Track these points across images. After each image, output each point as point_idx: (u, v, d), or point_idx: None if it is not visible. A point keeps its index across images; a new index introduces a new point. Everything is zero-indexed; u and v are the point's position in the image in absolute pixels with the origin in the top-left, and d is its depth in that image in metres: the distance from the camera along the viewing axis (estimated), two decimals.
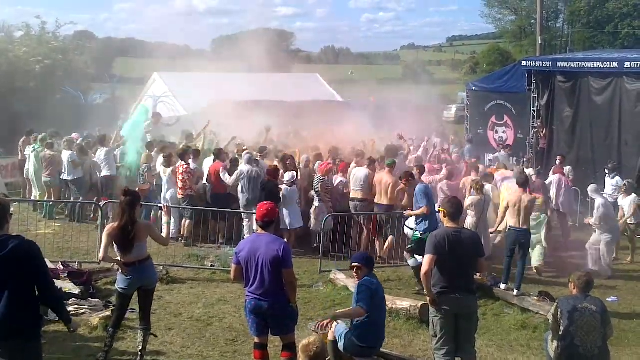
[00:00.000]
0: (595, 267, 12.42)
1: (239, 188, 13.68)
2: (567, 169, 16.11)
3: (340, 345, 7.38)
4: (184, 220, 14.06)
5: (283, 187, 13.33)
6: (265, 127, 17.63)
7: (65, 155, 15.51)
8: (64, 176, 15.65)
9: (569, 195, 15.13)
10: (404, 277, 12.27)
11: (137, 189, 13.67)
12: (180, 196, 13.96)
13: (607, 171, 15.65)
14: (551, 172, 15.78)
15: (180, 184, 13.90)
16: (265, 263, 6.79)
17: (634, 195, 13.75)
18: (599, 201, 12.74)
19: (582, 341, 6.82)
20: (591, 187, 13.56)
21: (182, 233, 14.05)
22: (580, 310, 6.88)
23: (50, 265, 10.39)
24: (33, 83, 26.18)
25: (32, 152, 16.42)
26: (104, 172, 15.34)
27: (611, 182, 15.27)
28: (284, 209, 13.14)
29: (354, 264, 7.41)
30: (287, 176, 13.38)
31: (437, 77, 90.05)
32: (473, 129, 23.03)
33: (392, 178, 13.23)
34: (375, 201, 13.45)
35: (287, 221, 13.29)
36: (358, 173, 13.89)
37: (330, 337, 7.65)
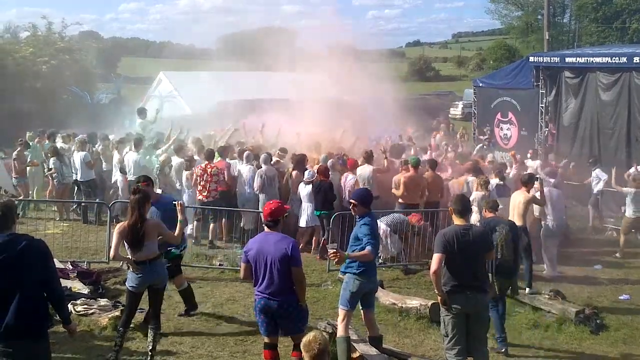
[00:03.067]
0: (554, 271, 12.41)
1: (256, 188, 13.75)
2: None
3: (348, 290, 7.76)
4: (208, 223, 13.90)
5: (301, 185, 13.37)
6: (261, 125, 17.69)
7: (78, 156, 15.28)
8: (76, 177, 15.46)
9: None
10: (413, 276, 12.23)
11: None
12: (206, 200, 13.77)
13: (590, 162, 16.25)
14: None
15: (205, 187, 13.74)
16: (274, 262, 6.75)
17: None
18: (546, 188, 12.39)
19: None
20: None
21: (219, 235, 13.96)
22: None
23: (59, 265, 10.44)
24: (40, 83, 26.23)
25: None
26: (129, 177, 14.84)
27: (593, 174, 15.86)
28: (302, 207, 13.26)
29: (350, 200, 7.97)
30: (307, 174, 13.38)
31: (443, 73, 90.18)
32: (480, 126, 22.97)
33: (417, 177, 13.51)
34: (408, 201, 13.54)
35: (305, 219, 13.33)
36: (362, 172, 13.95)
37: (340, 333, 7.65)
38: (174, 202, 8.50)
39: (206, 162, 13.90)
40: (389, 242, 12.43)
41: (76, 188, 15.91)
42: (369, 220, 7.70)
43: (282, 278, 6.79)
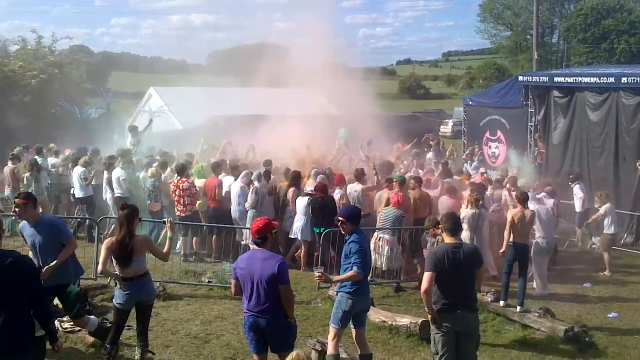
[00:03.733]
0: (545, 290, 12.30)
1: (249, 204, 13.73)
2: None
3: (340, 309, 7.72)
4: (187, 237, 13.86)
5: (299, 197, 13.43)
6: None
7: (76, 172, 15.20)
8: (74, 193, 15.43)
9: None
10: (403, 293, 12.20)
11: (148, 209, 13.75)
12: (183, 214, 13.66)
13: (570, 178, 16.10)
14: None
15: (179, 202, 13.66)
16: (261, 280, 6.71)
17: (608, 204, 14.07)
18: (534, 207, 12.14)
19: None
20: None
21: (191, 249, 13.90)
22: None
23: None
24: (28, 97, 26.12)
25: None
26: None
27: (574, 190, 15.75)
28: (295, 218, 13.34)
29: (339, 218, 7.97)
30: (307, 189, 13.50)
31: (433, 91, 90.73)
32: (470, 144, 23.01)
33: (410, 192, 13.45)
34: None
35: (299, 232, 13.34)
36: (352, 190, 13.97)
37: (330, 351, 7.62)
38: (163, 220, 8.46)
39: (177, 177, 13.76)
40: (393, 254, 12.34)
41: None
42: (357, 237, 7.69)
43: (270, 296, 6.74)
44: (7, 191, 15.85)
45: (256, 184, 13.77)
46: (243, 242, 13.53)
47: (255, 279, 6.74)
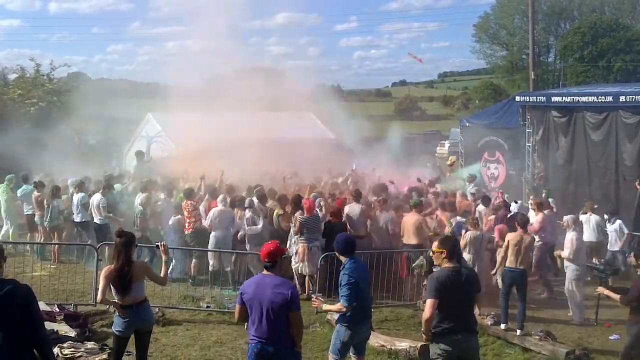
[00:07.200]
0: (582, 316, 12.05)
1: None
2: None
3: (339, 340, 7.67)
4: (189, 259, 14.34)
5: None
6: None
7: (76, 197, 15.52)
8: (74, 218, 15.67)
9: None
10: (402, 316, 12.14)
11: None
12: (188, 231, 14.25)
13: (606, 216, 15.02)
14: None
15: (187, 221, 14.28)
16: (271, 307, 6.56)
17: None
18: (571, 234, 12.13)
19: None
20: (570, 218, 12.65)
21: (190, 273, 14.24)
22: None
23: (46, 308, 10.37)
24: (27, 125, 26.17)
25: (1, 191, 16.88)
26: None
27: (613, 228, 14.68)
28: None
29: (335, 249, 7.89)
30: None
31: (430, 112, 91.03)
32: (467, 166, 23.03)
33: (419, 217, 13.45)
34: (405, 242, 13.48)
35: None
36: (352, 211, 13.92)
37: None
38: (156, 244, 8.46)
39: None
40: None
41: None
42: (349, 268, 7.56)
43: (279, 323, 6.60)
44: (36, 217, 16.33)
45: (248, 213, 13.87)
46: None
47: (264, 305, 6.58)
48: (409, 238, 13.36)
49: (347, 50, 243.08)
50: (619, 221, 14.58)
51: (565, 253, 11.97)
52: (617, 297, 8.86)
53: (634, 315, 8.59)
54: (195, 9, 25.24)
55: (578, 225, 12.89)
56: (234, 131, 21.31)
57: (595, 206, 15.16)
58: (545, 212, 14.46)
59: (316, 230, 13.30)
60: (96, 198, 15.14)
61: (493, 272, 12.00)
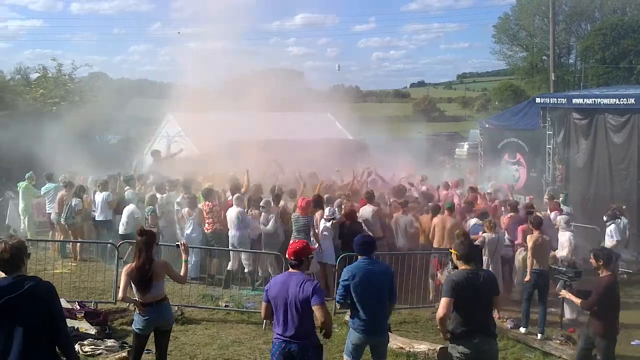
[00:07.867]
0: (573, 315, 11.96)
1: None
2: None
3: (349, 341, 7.69)
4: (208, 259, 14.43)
5: (322, 221, 13.38)
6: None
7: (100, 196, 15.65)
8: (96, 216, 15.83)
9: None
10: (420, 319, 12.12)
11: None
12: (208, 231, 14.29)
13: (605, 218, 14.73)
14: None
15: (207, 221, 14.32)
16: (296, 304, 6.59)
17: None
18: (567, 235, 12.22)
19: None
20: (562, 218, 12.94)
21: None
22: None
23: (66, 305, 10.46)
24: (49, 124, 26.40)
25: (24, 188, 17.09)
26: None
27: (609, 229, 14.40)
28: (318, 244, 13.18)
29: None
30: (328, 211, 13.42)
31: (448, 114, 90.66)
32: (487, 167, 22.90)
33: (453, 220, 13.37)
34: (436, 245, 13.41)
35: (319, 256, 13.18)
36: (364, 213, 13.91)
37: None
38: (177, 243, 8.52)
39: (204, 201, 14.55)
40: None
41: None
42: (347, 270, 7.62)
43: (304, 321, 6.64)
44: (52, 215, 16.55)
45: (266, 215, 13.96)
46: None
47: (289, 303, 6.63)
48: (442, 241, 13.22)
49: (365, 50, 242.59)
50: (612, 225, 14.27)
51: (562, 253, 11.94)
52: (578, 301, 8.76)
53: (593, 319, 8.50)
54: (216, 10, 25.17)
55: (570, 226, 12.95)
56: (252, 131, 21.39)
57: (624, 206, 15.01)
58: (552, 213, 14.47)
59: (303, 231, 13.02)
60: (102, 196, 15.58)
61: (526, 279, 11.62)
